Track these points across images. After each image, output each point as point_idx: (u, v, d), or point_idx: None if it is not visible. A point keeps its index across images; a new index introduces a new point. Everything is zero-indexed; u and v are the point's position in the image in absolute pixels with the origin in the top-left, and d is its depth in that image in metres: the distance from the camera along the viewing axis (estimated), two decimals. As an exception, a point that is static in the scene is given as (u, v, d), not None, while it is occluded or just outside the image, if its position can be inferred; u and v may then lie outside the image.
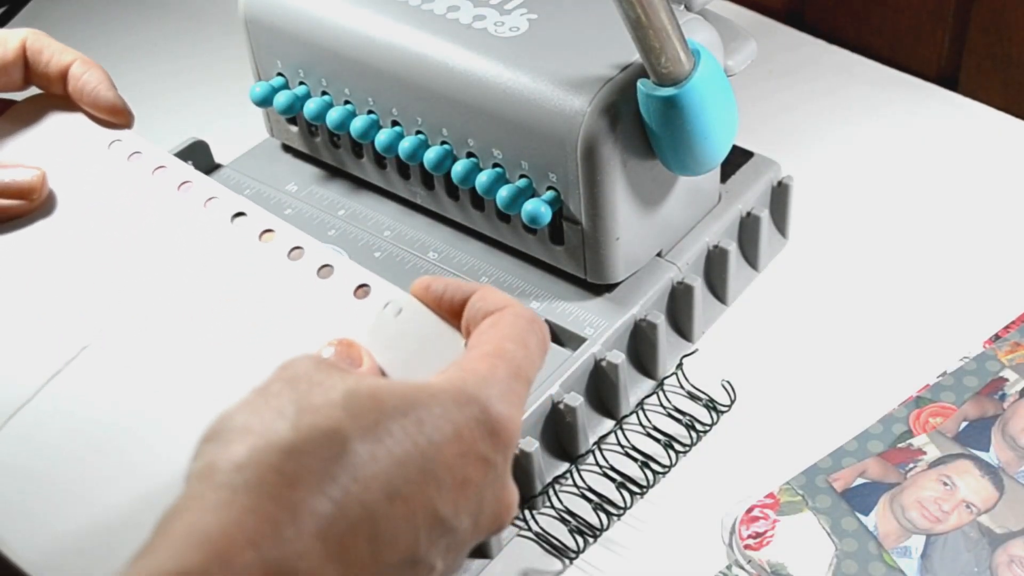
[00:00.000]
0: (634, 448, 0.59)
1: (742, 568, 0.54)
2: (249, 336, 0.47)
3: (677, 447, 0.59)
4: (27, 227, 0.52)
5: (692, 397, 0.61)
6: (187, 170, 0.52)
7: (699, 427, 0.60)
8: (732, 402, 0.61)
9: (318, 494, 0.35)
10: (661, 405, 0.61)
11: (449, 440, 0.38)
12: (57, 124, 0.55)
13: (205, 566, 0.33)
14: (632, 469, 0.58)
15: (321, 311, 0.46)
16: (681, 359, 0.62)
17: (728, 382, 0.61)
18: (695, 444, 0.60)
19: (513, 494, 0.42)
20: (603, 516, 0.56)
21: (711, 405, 0.61)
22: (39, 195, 0.53)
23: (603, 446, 0.59)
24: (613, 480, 0.57)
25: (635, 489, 0.57)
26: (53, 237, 0.52)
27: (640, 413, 0.60)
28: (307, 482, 0.35)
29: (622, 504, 0.57)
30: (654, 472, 0.58)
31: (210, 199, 0.50)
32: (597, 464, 0.58)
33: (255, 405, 0.38)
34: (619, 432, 0.59)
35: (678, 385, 0.61)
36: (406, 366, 0.44)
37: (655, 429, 0.59)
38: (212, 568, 0.33)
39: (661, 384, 0.61)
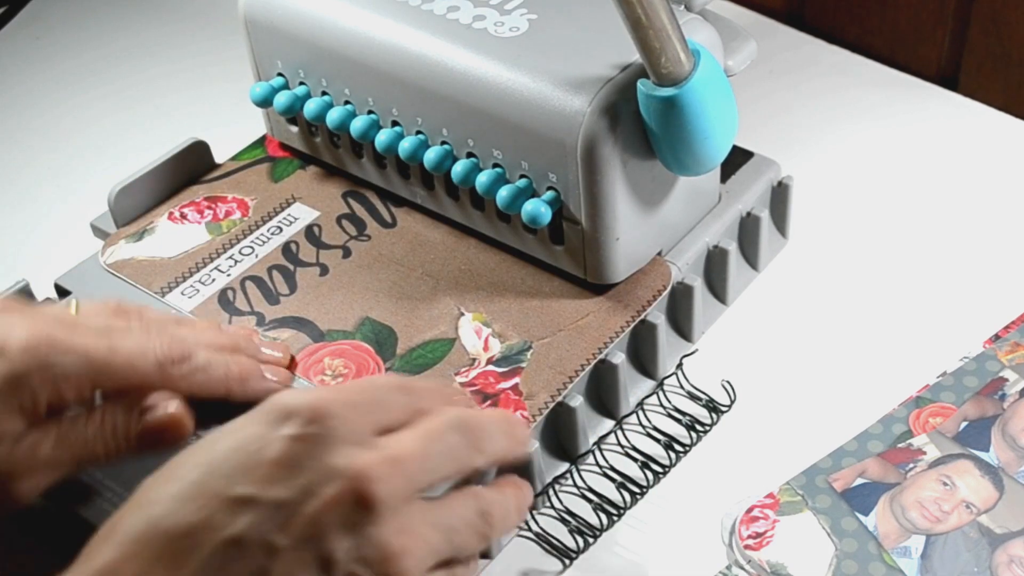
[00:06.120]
0: (634, 448, 0.59)
1: (742, 568, 0.54)
2: None
3: (677, 447, 0.59)
4: None
5: (692, 397, 0.61)
6: None
7: (699, 427, 0.60)
8: (732, 402, 0.61)
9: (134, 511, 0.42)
10: (661, 405, 0.61)
11: (228, 438, 0.42)
12: None
13: None
14: (632, 469, 0.58)
15: None
16: (681, 359, 0.62)
17: (728, 382, 0.61)
18: (695, 444, 0.60)
19: (368, 462, 0.42)
20: (603, 516, 0.56)
21: (711, 405, 0.61)
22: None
23: (603, 446, 0.59)
24: (613, 480, 0.57)
25: (635, 489, 0.57)
26: None
27: (640, 413, 0.60)
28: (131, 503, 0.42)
29: (622, 504, 0.57)
30: (654, 472, 0.58)
31: None
32: (597, 464, 0.58)
33: None
34: (619, 432, 0.59)
35: (678, 385, 0.61)
36: None
37: (655, 429, 0.59)
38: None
39: (661, 384, 0.61)
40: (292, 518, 0.40)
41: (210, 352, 0.52)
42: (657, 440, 0.59)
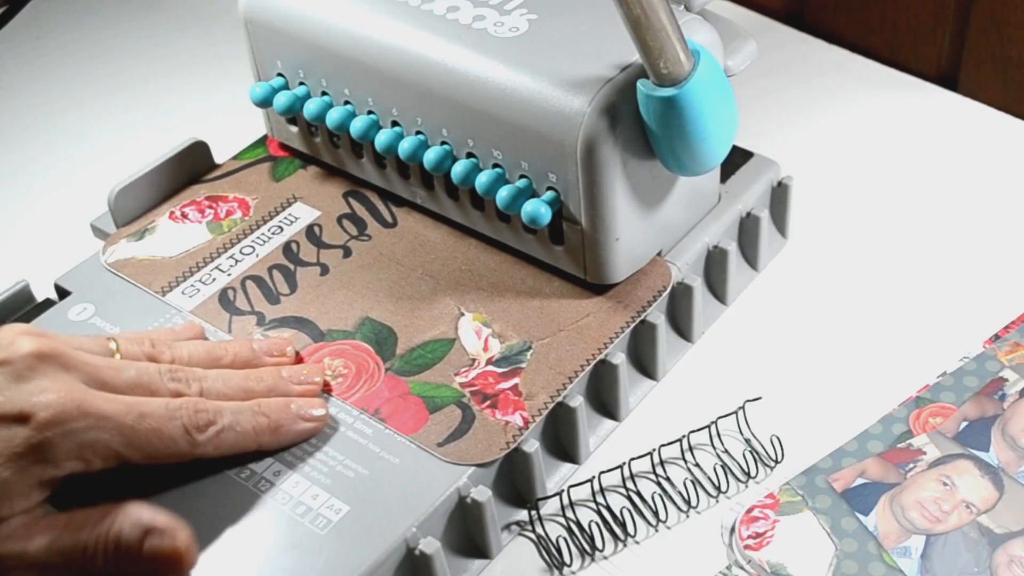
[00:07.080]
0: (668, 479, 0.57)
1: (742, 568, 0.54)
2: None
3: (711, 491, 0.58)
4: None
5: (748, 444, 0.59)
6: None
7: (741, 477, 0.58)
8: (778, 462, 0.58)
9: None
10: (712, 446, 0.59)
11: None
12: None
13: None
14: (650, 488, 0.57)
15: None
16: (744, 403, 0.60)
17: (777, 438, 0.59)
18: (722, 493, 0.58)
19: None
20: (608, 536, 0.55)
21: (758, 458, 0.58)
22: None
23: (634, 467, 0.58)
24: (632, 501, 0.56)
25: (651, 520, 0.56)
26: None
27: (687, 450, 0.58)
28: None
29: (632, 532, 0.56)
30: (679, 508, 0.57)
31: None
32: (623, 485, 0.57)
33: None
34: (655, 458, 0.58)
35: (736, 428, 0.59)
36: None
37: (696, 466, 0.58)
38: None
39: (715, 422, 0.59)
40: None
41: (235, 410, 0.52)
42: (697, 481, 0.57)
